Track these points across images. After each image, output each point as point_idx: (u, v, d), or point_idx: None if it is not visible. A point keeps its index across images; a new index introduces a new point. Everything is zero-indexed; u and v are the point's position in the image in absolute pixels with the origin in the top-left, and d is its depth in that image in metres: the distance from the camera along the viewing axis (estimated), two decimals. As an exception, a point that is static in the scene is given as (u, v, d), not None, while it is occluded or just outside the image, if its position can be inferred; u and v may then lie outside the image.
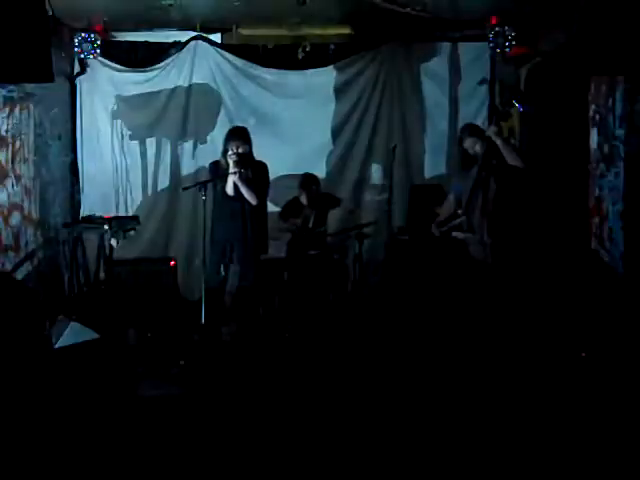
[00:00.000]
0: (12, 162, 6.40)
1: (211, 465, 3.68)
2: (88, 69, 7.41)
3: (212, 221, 6.01)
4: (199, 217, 6.24)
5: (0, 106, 6.20)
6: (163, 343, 5.72)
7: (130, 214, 7.20)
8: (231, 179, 5.83)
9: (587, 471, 3.55)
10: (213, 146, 7.05)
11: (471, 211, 5.53)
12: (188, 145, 7.59)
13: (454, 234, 5.64)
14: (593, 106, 6.00)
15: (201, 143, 7.53)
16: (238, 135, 5.97)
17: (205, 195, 5.73)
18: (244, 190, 5.86)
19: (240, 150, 5.85)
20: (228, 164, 5.85)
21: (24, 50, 5.31)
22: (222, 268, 5.97)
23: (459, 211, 5.64)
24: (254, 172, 5.90)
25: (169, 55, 7.46)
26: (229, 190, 5.86)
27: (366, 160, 7.61)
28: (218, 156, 6.15)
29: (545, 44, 6.83)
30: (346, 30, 7.47)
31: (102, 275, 6.51)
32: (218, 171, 5.98)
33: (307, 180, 6.84)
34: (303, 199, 6.85)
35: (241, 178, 5.81)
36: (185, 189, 6.16)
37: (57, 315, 5.89)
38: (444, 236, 5.78)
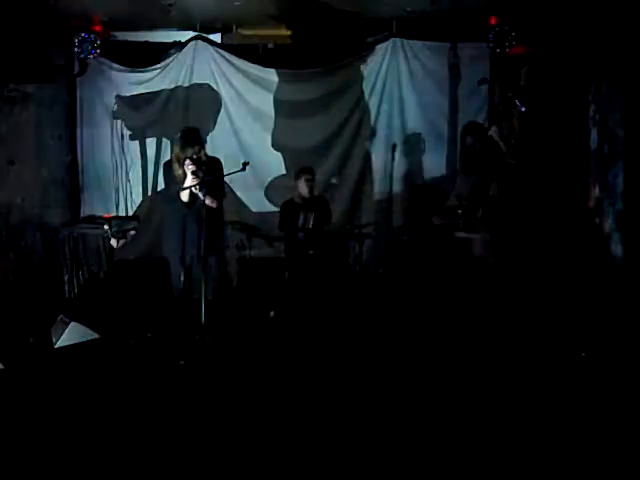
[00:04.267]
0: (12, 162, 6.40)
1: (211, 465, 3.68)
2: (88, 69, 7.41)
3: (165, 225, 5.84)
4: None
5: (0, 106, 6.21)
6: (163, 343, 5.72)
7: (130, 214, 7.21)
8: (187, 189, 5.67)
9: (587, 471, 3.55)
10: (213, 146, 7.05)
11: (472, 210, 5.53)
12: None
13: (456, 234, 5.64)
14: (593, 106, 6.00)
15: (201, 143, 7.52)
16: (193, 139, 5.73)
17: (204, 195, 5.71)
18: (205, 199, 5.69)
19: (197, 156, 5.66)
20: (184, 171, 5.64)
21: (24, 50, 5.32)
22: (182, 275, 5.88)
23: (459, 211, 5.64)
24: (210, 174, 5.69)
25: (169, 55, 7.46)
26: (184, 198, 5.70)
27: (366, 160, 7.61)
28: (218, 156, 6.12)
29: (545, 44, 6.83)
30: (341, 31, 7.47)
31: (102, 275, 6.51)
32: (172, 174, 5.83)
33: (303, 171, 6.85)
34: (297, 198, 6.87)
35: (200, 189, 5.61)
36: (184, 189, 6.15)
37: (57, 315, 5.91)
38: (443, 229, 5.77)
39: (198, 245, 5.72)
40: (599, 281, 5.70)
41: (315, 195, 7.02)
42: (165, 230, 5.83)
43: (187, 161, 5.60)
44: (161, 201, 5.57)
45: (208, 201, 5.67)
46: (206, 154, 5.79)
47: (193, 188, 5.62)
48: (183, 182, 5.64)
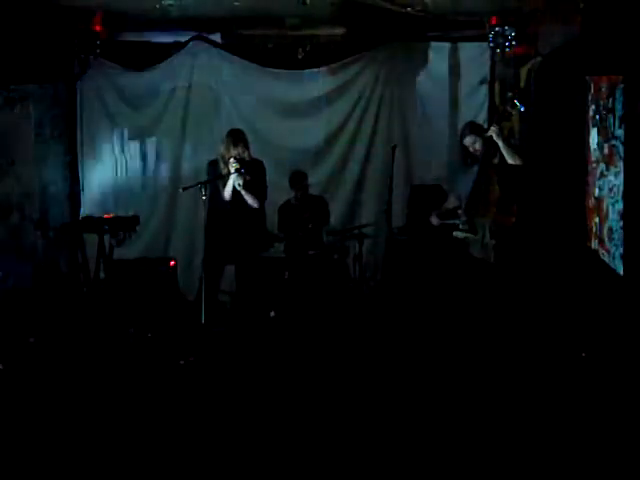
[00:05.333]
0: (12, 162, 6.40)
1: (211, 464, 3.68)
2: (88, 69, 7.41)
3: (207, 221, 5.89)
4: (199, 217, 6.24)
5: (0, 106, 6.21)
6: (163, 343, 5.72)
7: (130, 214, 7.21)
8: (231, 186, 5.80)
9: (587, 471, 3.55)
10: (213, 146, 7.03)
11: (472, 211, 5.53)
12: (188, 145, 7.59)
13: (455, 234, 5.63)
14: (593, 106, 5.99)
15: (201, 143, 7.52)
16: (239, 140, 5.88)
17: (205, 195, 5.72)
18: (247, 197, 5.83)
19: (242, 155, 5.80)
20: (228, 169, 5.79)
21: (24, 50, 5.32)
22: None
23: (459, 211, 5.64)
24: (253, 175, 5.86)
25: (169, 55, 7.46)
26: (227, 196, 5.82)
27: (366, 160, 7.61)
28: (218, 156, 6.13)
29: (545, 44, 6.83)
30: (343, 30, 7.47)
31: (102, 275, 6.51)
32: (216, 173, 5.92)
33: (295, 177, 6.87)
34: (292, 199, 6.90)
35: (243, 186, 5.78)
36: (185, 189, 6.14)
37: (57, 315, 5.92)
38: (442, 229, 5.77)
39: (237, 244, 5.80)
40: (600, 281, 5.70)
41: (313, 195, 7.03)
42: (207, 228, 5.84)
43: (231, 159, 5.71)
44: (206, 198, 5.66)
45: (250, 201, 5.79)
46: (250, 155, 5.88)
47: (236, 185, 5.71)
48: (227, 180, 5.74)
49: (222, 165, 5.89)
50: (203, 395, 4.64)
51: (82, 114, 7.52)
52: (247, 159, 5.85)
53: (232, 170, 5.73)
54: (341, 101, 7.59)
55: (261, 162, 6.04)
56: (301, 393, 4.67)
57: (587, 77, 6.01)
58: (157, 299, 6.37)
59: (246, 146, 5.90)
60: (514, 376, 4.83)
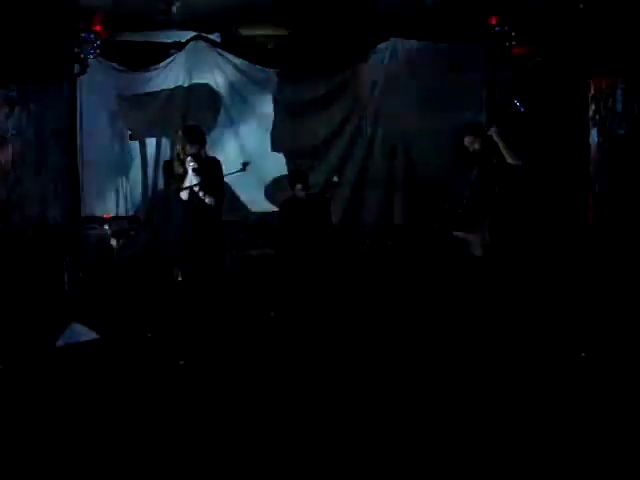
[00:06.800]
0: (12, 162, 6.41)
1: (211, 465, 3.68)
2: (88, 69, 7.41)
3: (164, 222, 5.76)
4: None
5: (0, 106, 6.21)
6: (163, 343, 5.72)
7: (130, 214, 7.20)
8: (188, 185, 5.60)
9: (587, 471, 3.55)
10: (213, 146, 7.03)
11: (472, 210, 5.53)
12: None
13: (455, 234, 5.63)
14: (593, 106, 6.00)
15: (201, 143, 7.51)
16: (196, 137, 5.69)
17: (204, 195, 5.70)
18: (204, 196, 5.64)
19: (198, 153, 5.61)
20: (184, 168, 5.59)
21: (25, 50, 5.33)
22: (179, 274, 5.80)
23: (459, 211, 5.64)
24: (210, 173, 5.66)
25: (169, 55, 7.47)
26: (184, 196, 5.63)
27: (366, 160, 7.61)
28: (218, 156, 6.12)
29: (545, 44, 6.84)
30: (341, 31, 7.48)
31: (102, 275, 6.51)
32: (172, 173, 5.79)
33: (295, 179, 6.82)
34: (293, 198, 6.87)
35: (201, 186, 5.59)
36: (184, 189, 6.15)
37: (57, 315, 5.92)
38: (443, 232, 5.77)
39: (197, 244, 5.72)
40: (599, 281, 5.70)
41: (315, 194, 7.02)
42: (164, 229, 5.79)
43: (189, 158, 5.55)
44: (161, 200, 5.53)
45: (208, 200, 5.65)
46: (206, 153, 5.75)
47: (194, 187, 5.60)
48: (184, 180, 5.60)
49: (177, 164, 5.74)
50: (203, 395, 4.64)
51: (82, 114, 7.52)
52: (203, 157, 5.72)
53: (189, 170, 5.60)
54: (341, 101, 7.59)
55: (217, 160, 5.84)
56: (301, 393, 4.67)
57: (587, 77, 6.02)
58: (157, 299, 6.37)
59: (202, 143, 5.72)
60: (514, 375, 4.83)
